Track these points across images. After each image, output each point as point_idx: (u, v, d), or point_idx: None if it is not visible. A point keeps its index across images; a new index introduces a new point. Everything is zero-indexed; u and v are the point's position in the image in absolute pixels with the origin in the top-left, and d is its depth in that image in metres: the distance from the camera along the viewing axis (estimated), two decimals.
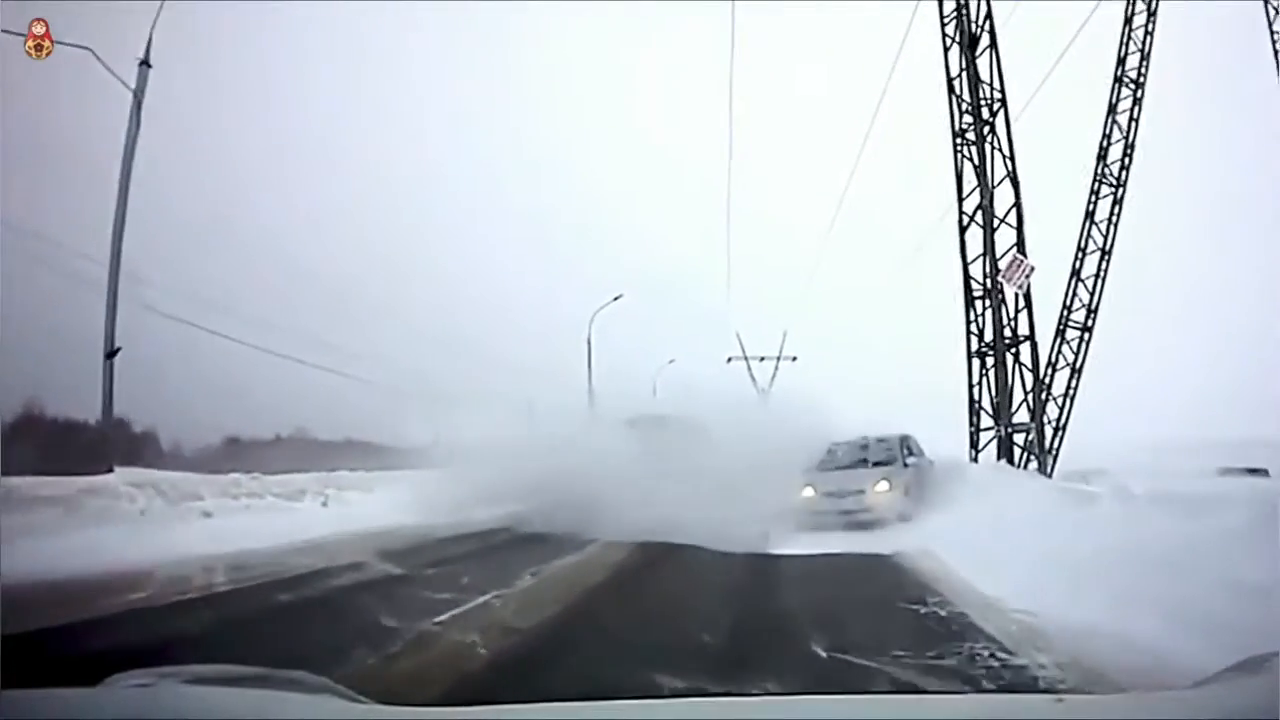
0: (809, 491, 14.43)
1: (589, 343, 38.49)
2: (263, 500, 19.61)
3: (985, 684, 4.84)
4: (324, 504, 20.58)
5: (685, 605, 7.93)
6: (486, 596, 7.78)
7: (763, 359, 53.86)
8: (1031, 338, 16.64)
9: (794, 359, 52.07)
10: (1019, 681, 4.89)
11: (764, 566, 10.65)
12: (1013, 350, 17.07)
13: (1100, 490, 10.47)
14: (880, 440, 15.60)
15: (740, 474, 13.93)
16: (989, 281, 16.57)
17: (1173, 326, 27.52)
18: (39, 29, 14.01)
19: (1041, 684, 4.82)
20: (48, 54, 14.15)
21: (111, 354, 17.60)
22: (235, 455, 21.91)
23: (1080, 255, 18.84)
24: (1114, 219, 19.36)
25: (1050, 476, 16.17)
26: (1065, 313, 18.30)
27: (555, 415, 19.77)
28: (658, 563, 10.94)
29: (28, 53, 13.90)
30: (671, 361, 44.69)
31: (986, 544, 10.22)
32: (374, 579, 9.14)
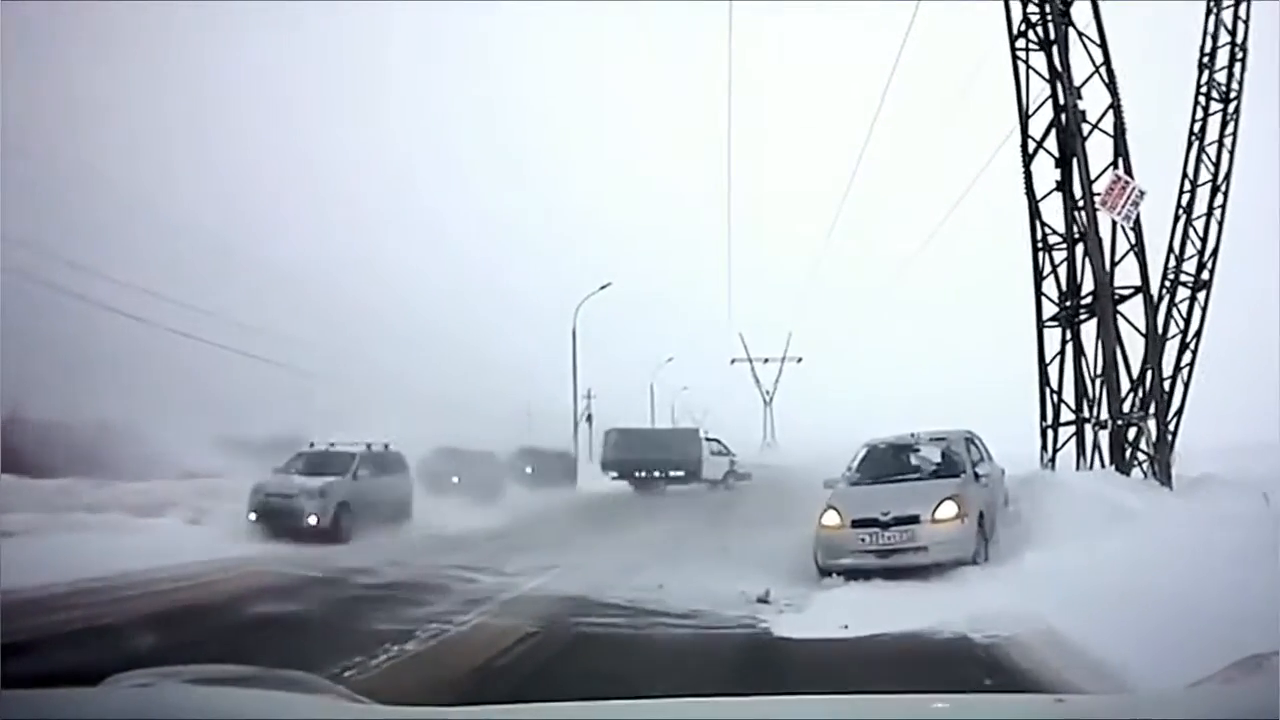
0: (833, 518, 9.35)
1: (574, 335, 36.44)
2: (101, 516, 15.21)
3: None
4: (192, 521, 15.97)
5: None
6: None
7: (766, 360, 51.36)
8: (1145, 289, 11.73)
9: (799, 360, 49.42)
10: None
11: (758, 674, 5.80)
12: (1084, 314, 12.25)
13: None
14: (936, 439, 10.55)
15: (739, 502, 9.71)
16: (1084, 214, 11.68)
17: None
18: None
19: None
20: None
21: None
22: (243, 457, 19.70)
23: (1189, 187, 14.00)
24: (1225, 141, 14.54)
25: (1171, 487, 11.39)
26: (1175, 262, 13.43)
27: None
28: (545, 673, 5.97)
29: None
30: (670, 360, 42.14)
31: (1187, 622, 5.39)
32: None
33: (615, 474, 28.87)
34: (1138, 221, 11.63)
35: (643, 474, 28.85)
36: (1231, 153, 14.51)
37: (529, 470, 23.14)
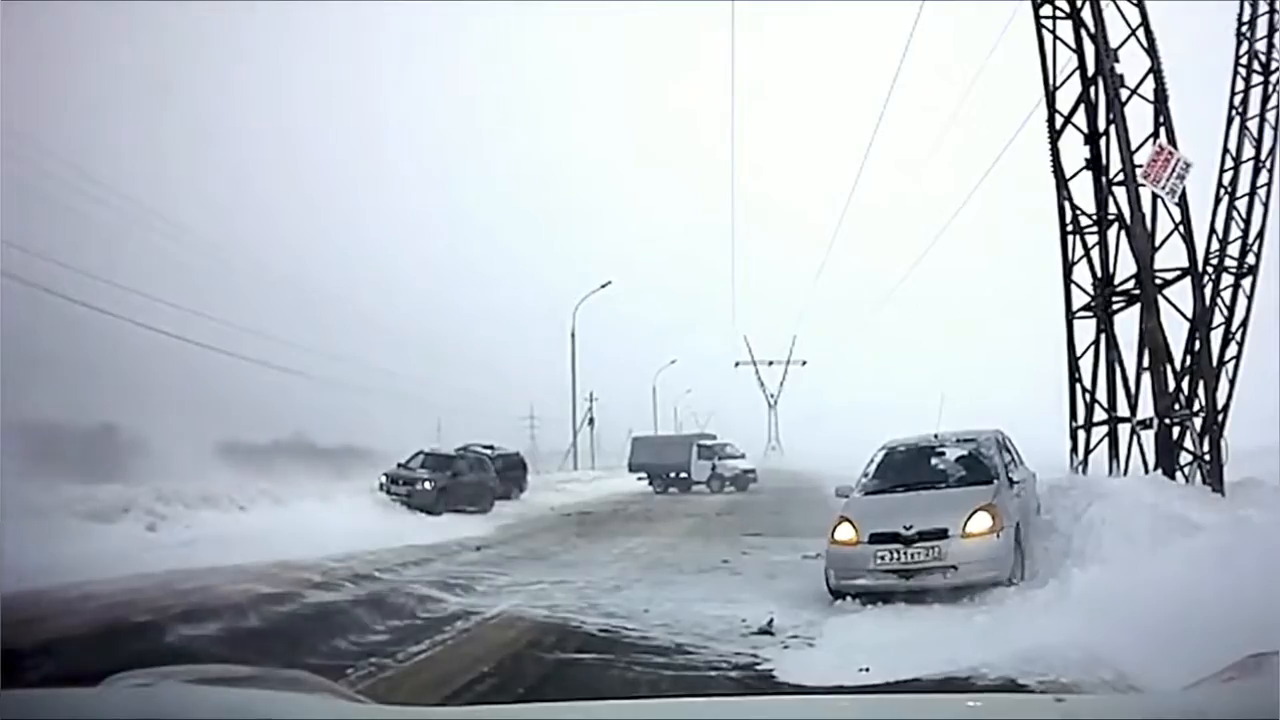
0: (846, 532, 8.11)
1: (572, 335, 35.95)
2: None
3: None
4: (150, 528, 14.88)
5: None
6: None
7: (771, 363, 50.62)
8: (1193, 269, 10.50)
9: (804, 363, 48.64)
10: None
11: None
12: (1120, 302, 11.04)
13: None
14: (963, 440, 9.34)
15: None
16: (1124, 189, 10.47)
17: None
18: None
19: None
20: None
21: None
22: (229, 461, 19.97)
23: (1232, 164, 12.82)
24: (1268, 115, 13.36)
25: (1223, 493, 10.20)
26: (1220, 244, 12.23)
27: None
28: None
29: None
30: (673, 362, 41.50)
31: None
32: None
33: (640, 476, 30.65)
34: (1183, 196, 10.42)
35: (664, 476, 30.37)
36: (1275, 128, 13.35)
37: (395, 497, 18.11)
